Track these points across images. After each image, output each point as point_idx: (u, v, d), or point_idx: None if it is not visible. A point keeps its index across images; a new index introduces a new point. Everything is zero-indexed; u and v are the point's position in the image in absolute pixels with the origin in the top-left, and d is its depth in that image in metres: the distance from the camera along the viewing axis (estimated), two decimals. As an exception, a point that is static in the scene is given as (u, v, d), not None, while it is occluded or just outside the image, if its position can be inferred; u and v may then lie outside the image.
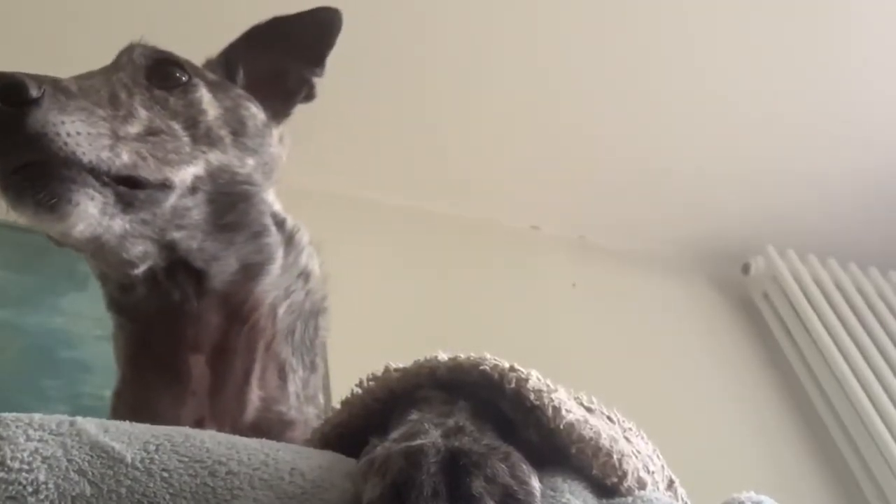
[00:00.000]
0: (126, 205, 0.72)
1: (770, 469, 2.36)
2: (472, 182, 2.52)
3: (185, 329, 0.81)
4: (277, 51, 0.96)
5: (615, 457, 0.56)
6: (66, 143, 0.66)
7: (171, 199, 0.75)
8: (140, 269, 0.78)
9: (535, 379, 0.59)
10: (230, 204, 0.82)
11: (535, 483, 0.49)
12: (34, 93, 0.65)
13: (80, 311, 1.94)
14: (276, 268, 0.86)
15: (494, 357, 0.61)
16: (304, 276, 0.90)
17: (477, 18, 2.15)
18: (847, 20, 2.28)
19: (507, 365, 0.60)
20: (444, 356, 0.63)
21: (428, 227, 2.48)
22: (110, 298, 0.85)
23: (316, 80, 0.98)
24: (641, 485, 0.58)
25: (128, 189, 0.71)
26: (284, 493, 0.50)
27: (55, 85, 0.69)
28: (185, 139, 0.79)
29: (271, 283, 0.85)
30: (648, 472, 0.60)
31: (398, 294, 2.25)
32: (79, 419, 0.53)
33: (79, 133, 0.67)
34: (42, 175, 0.66)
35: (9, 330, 1.92)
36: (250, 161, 0.86)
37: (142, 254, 0.76)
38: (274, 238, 0.87)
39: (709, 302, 2.75)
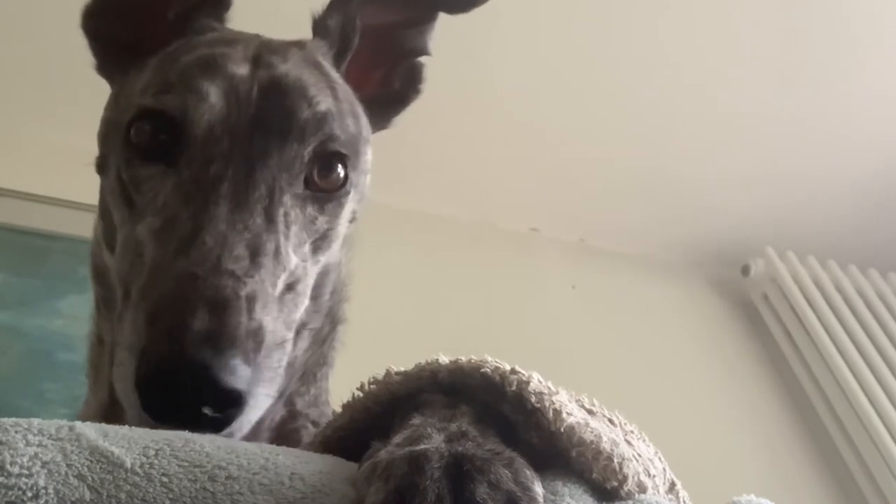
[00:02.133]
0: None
1: (770, 471, 2.36)
2: (472, 184, 2.52)
3: None
4: (394, 6, 0.87)
5: (616, 460, 0.56)
6: (248, 417, 0.60)
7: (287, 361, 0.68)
8: None
9: (537, 381, 0.59)
10: (315, 286, 0.75)
11: (539, 489, 0.49)
12: (245, 408, 0.59)
13: (79, 313, 1.93)
14: (316, 324, 0.80)
15: (495, 360, 0.61)
16: (333, 293, 0.83)
17: (477, 19, 2.15)
18: (847, 20, 2.28)
19: (508, 367, 0.60)
20: (445, 359, 0.63)
21: (428, 229, 2.48)
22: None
23: (423, 63, 0.88)
24: (642, 489, 0.57)
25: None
26: (284, 498, 0.49)
27: (255, 357, 0.60)
28: (310, 266, 0.72)
29: (304, 334, 0.79)
30: (649, 475, 0.60)
31: (398, 297, 2.25)
32: (78, 424, 0.52)
33: (257, 405, 0.61)
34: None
35: (8, 333, 1.92)
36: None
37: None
38: (328, 297, 0.81)
39: (708, 304, 2.76)
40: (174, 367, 0.57)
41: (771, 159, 2.56)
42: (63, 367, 1.87)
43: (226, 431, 0.59)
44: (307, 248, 0.72)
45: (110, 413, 0.79)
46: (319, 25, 0.85)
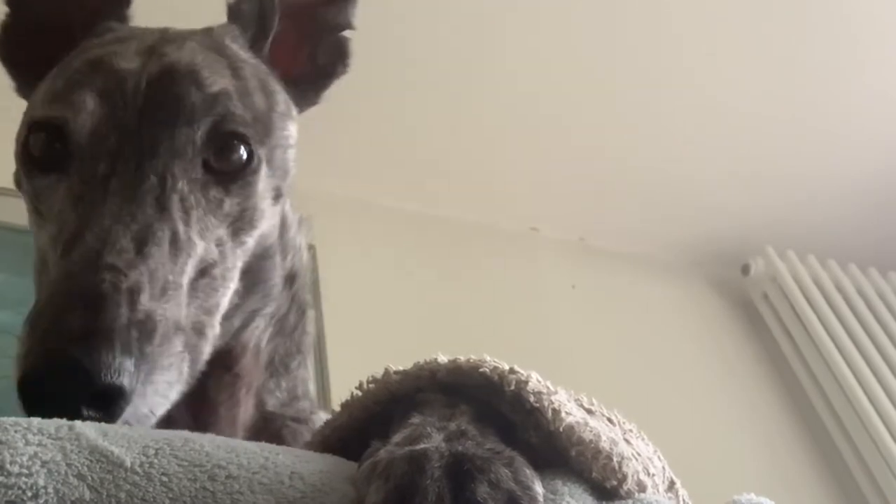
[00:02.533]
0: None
1: (770, 470, 2.36)
2: (472, 184, 2.52)
3: None
4: None
5: (615, 459, 0.56)
6: (145, 404, 0.60)
7: (209, 345, 0.68)
8: None
9: (535, 381, 0.59)
10: (252, 269, 0.75)
11: (539, 488, 0.49)
12: (125, 401, 0.58)
13: (78, 313, 1.93)
14: (269, 309, 0.81)
15: (494, 359, 0.61)
16: (289, 279, 0.83)
17: (477, 19, 2.15)
18: (847, 20, 2.28)
19: (506, 367, 0.60)
20: (443, 358, 0.63)
21: (427, 229, 2.49)
22: None
23: (348, 37, 0.88)
24: (642, 487, 0.57)
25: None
26: (284, 497, 0.49)
27: (141, 348, 0.59)
28: (229, 249, 0.71)
29: (259, 322, 0.80)
30: (649, 474, 0.60)
31: (398, 296, 2.25)
32: (77, 423, 0.52)
33: (156, 392, 0.61)
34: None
35: (7, 332, 1.92)
36: (279, 215, 0.79)
37: None
38: (278, 282, 0.81)
39: (708, 303, 2.76)
40: (47, 368, 0.57)
41: (771, 159, 2.56)
42: (63, 367, 1.87)
43: (121, 420, 0.58)
44: (222, 231, 0.71)
45: None
46: (233, 10, 0.85)
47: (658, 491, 0.60)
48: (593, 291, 2.59)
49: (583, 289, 2.58)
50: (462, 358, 0.62)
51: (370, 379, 0.65)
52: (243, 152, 0.73)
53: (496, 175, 2.51)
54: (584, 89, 2.34)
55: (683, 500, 0.66)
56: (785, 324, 2.64)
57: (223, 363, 0.76)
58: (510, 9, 2.15)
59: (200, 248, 0.68)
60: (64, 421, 0.53)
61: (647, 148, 2.49)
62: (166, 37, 0.78)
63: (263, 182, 0.74)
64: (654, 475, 0.61)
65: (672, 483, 0.66)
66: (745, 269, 2.74)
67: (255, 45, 0.83)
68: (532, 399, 0.57)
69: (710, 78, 2.36)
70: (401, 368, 0.64)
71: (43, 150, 0.72)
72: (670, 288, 2.71)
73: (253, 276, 0.76)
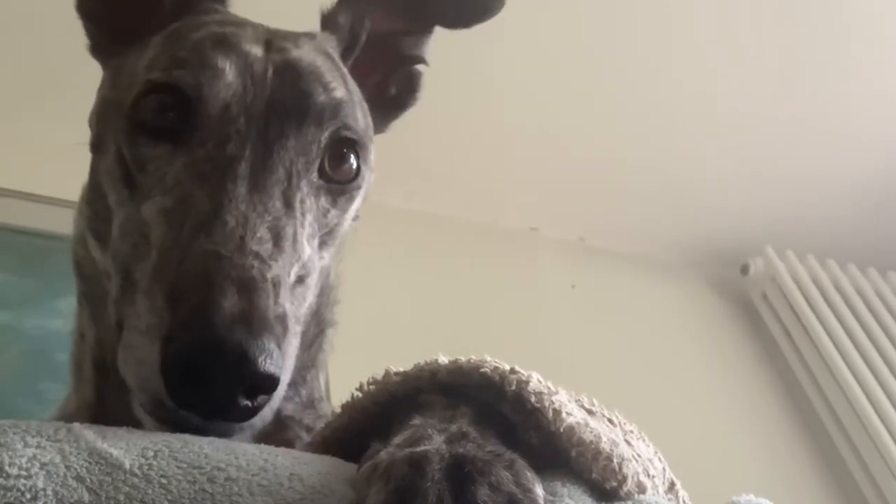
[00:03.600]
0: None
1: (769, 470, 2.36)
2: (472, 184, 2.52)
3: None
4: (401, 10, 0.86)
5: (615, 461, 0.56)
6: (270, 410, 0.59)
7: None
8: None
9: (536, 381, 0.59)
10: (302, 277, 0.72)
11: (540, 491, 0.49)
12: (276, 393, 0.57)
13: (78, 313, 1.93)
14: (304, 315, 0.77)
15: (495, 359, 0.61)
16: (320, 291, 0.80)
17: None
18: (846, 19, 2.28)
19: (507, 367, 0.60)
20: (444, 359, 0.63)
21: (427, 229, 2.48)
22: (91, 267, 0.76)
23: (421, 71, 0.88)
24: (641, 489, 0.57)
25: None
26: (283, 499, 0.49)
27: (279, 342, 0.56)
28: (315, 261, 0.69)
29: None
30: (649, 475, 0.59)
31: (397, 296, 2.25)
32: (76, 425, 0.52)
33: (281, 392, 0.59)
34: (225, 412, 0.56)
35: (7, 333, 1.92)
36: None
37: None
38: (312, 290, 0.77)
39: (708, 303, 2.75)
40: (207, 349, 0.53)
41: (770, 159, 2.56)
42: (62, 367, 1.86)
43: (247, 424, 0.57)
44: (316, 241, 0.69)
45: (96, 412, 0.78)
46: (329, 20, 0.84)
47: (658, 492, 0.60)
48: (593, 291, 2.59)
49: (582, 288, 2.58)
50: (463, 358, 0.62)
51: (370, 380, 0.64)
52: (353, 163, 0.72)
53: (496, 175, 2.51)
54: (584, 90, 2.34)
55: (683, 501, 0.66)
56: (784, 324, 2.64)
57: None
58: (512, 8, 2.15)
59: (307, 254, 0.67)
60: (63, 423, 0.52)
61: (646, 148, 2.49)
62: (277, 32, 0.77)
63: (359, 200, 0.74)
64: (654, 476, 0.61)
65: (672, 484, 0.66)
66: (745, 269, 2.74)
67: (343, 60, 0.82)
68: (533, 399, 0.57)
69: (710, 78, 2.36)
70: (401, 369, 0.64)
71: (155, 116, 0.68)
72: (670, 288, 2.71)
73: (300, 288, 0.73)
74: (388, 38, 0.87)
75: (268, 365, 0.54)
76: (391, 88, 0.90)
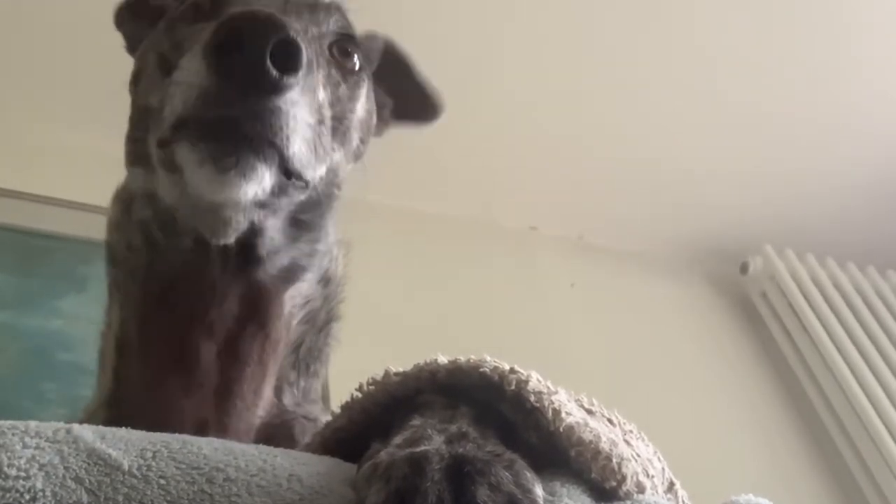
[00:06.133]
0: (279, 191, 0.70)
1: (768, 469, 2.37)
2: (471, 182, 2.52)
3: (207, 306, 0.76)
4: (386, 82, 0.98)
5: (614, 460, 0.56)
6: (286, 139, 0.65)
7: (302, 196, 0.75)
8: (229, 239, 0.73)
9: (536, 381, 0.59)
10: (315, 203, 0.79)
11: (539, 491, 0.49)
12: (301, 73, 0.63)
13: (78, 313, 1.93)
14: (311, 276, 0.83)
15: (494, 359, 0.61)
16: (324, 280, 0.86)
17: (476, 18, 2.15)
18: (845, 18, 2.28)
19: (507, 367, 0.60)
20: (443, 359, 0.63)
21: (426, 228, 2.48)
22: (126, 248, 0.81)
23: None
24: (641, 489, 0.57)
25: (286, 179, 0.69)
26: (282, 500, 0.49)
27: (310, 64, 0.65)
28: (329, 135, 0.74)
29: (297, 290, 0.82)
30: (648, 475, 0.59)
31: (397, 296, 2.25)
32: (75, 426, 0.52)
33: (298, 133, 0.66)
34: (239, 144, 0.64)
35: (7, 332, 1.92)
36: (349, 167, 0.84)
37: (241, 227, 0.73)
38: (324, 246, 0.84)
39: (707, 301, 2.76)
40: (242, 16, 0.61)
41: (769, 157, 2.56)
42: (62, 366, 1.87)
43: (274, 104, 0.63)
44: (329, 112, 0.74)
45: (113, 397, 0.80)
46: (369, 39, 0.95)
47: (657, 492, 0.60)
48: (592, 289, 2.59)
49: (582, 287, 2.58)
50: (462, 358, 0.62)
51: (370, 380, 0.64)
52: (356, 60, 0.82)
53: (495, 173, 2.51)
54: (582, 88, 2.34)
55: (683, 501, 0.66)
56: (783, 322, 2.65)
57: (258, 318, 0.78)
58: (512, 7, 2.15)
59: (321, 93, 0.72)
60: (62, 424, 0.52)
61: (645, 147, 2.49)
62: None
63: (363, 101, 0.83)
64: (653, 476, 0.61)
65: (671, 484, 0.66)
66: (744, 268, 2.74)
67: None
68: (532, 399, 0.57)
69: (710, 77, 2.36)
70: (400, 370, 0.64)
71: (192, 10, 0.78)
72: (669, 286, 2.71)
73: (302, 222, 0.80)
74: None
75: (293, 32, 0.61)
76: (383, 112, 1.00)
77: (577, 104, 2.37)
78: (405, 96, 1.00)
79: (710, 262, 2.82)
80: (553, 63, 2.28)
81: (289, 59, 0.62)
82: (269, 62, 0.61)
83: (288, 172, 0.68)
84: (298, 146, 0.66)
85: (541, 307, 2.47)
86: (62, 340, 1.91)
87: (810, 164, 2.59)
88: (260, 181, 0.65)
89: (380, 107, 0.95)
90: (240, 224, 0.72)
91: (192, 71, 0.64)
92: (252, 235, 0.75)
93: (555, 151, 2.48)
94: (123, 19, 0.92)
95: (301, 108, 0.65)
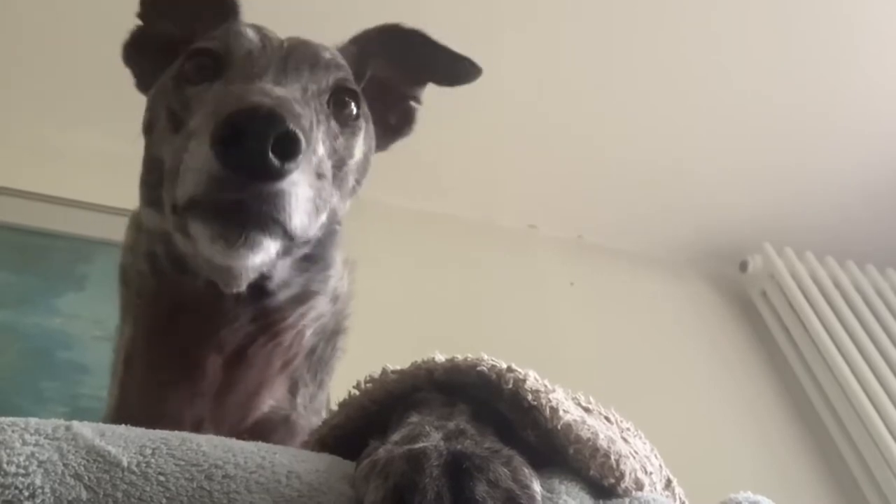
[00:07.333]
0: (284, 252, 0.74)
1: (767, 467, 2.37)
2: (470, 182, 2.52)
3: (218, 328, 0.80)
4: (400, 63, 0.99)
5: (612, 457, 0.56)
6: (289, 216, 0.68)
7: (306, 249, 0.80)
8: (241, 289, 0.77)
9: (533, 379, 0.59)
10: (318, 242, 0.83)
11: (537, 487, 0.50)
12: (299, 159, 0.66)
13: (77, 312, 1.94)
14: (323, 297, 0.87)
15: (492, 358, 0.61)
16: (334, 298, 0.90)
17: (475, 17, 2.15)
18: (844, 16, 2.28)
19: (504, 365, 0.60)
20: (441, 357, 0.63)
21: (425, 227, 2.48)
22: (138, 273, 0.85)
23: (416, 108, 1.02)
24: (639, 486, 0.58)
25: (289, 241, 0.72)
26: (281, 497, 0.49)
27: (309, 142, 0.69)
28: (329, 186, 0.78)
29: (310, 307, 0.86)
30: (646, 472, 0.60)
31: (395, 294, 2.24)
32: (75, 423, 0.52)
33: (299, 208, 0.69)
34: (247, 223, 0.68)
35: (7, 331, 1.92)
36: (347, 205, 0.87)
37: (252, 278, 0.77)
38: (336, 271, 0.88)
39: (706, 300, 2.76)
40: (244, 110, 0.65)
41: (769, 155, 2.56)
42: (61, 365, 1.87)
43: (277, 188, 0.66)
44: (328, 165, 0.78)
45: (118, 406, 0.84)
46: (341, 50, 0.94)
47: (655, 489, 0.61)
48: (591, 289, 2.59)
49: (581, 286, 2.58)
50: (459, 357, 0.62)
51: (368, 378, 0.65)
52: (354, 109, 0.85)
53: (494, 173, 2.51)
54: (581, 87, 2.34)
55: (680, 499, 0.66)
56: (783, 320, 2.65)
57: (269, 329, 0.83)
58: (511, 7, 2.15)
59: (320, 151, 0.76)
60: (61, 421, 0.52)
61: (644, 145, 2.49)
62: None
63: (360, 146, 0.86)
64: (651, 473, 0.61)
65: (669, 481, 0.66)
66: (743, 266, 2.74)
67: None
68: (530, 397, 0.57)
69: (709, 74, 2.36)
70: (398, 367, 0.64)
71: (194, 70, 0.82)
72: (668, 285, 2.71)
73: (309, 256, 0.83)
74: (389, 79, 1.00)
75: (292, 124, 0.65)
76: (391, 118, 1.01)
77: (576, 103, 2.37)
78: (432, 64, 1.01)
79: (710, 261, 2.82)
80: (553, 63, 2.28)
81: (289, 147, 0.65)
82: (270, 154, 0.64)
83: (291, 238, 0.72)
84: (300, 218, 0.70)
85: (540, 306, 2.47)
86: (61, 339, 1.91)
87: (810, 163, 2.59)
88: (266, 251, 0.70)
89: (382, 123, 0.98)
90: (250, 277, 0.77)
91: (200, 158, 0.68)
92: (262, 279, 0.79)
93: (554, 151, 2.48)
94: (130, 56, 0.95)
95: (301, 186, 0.69)
